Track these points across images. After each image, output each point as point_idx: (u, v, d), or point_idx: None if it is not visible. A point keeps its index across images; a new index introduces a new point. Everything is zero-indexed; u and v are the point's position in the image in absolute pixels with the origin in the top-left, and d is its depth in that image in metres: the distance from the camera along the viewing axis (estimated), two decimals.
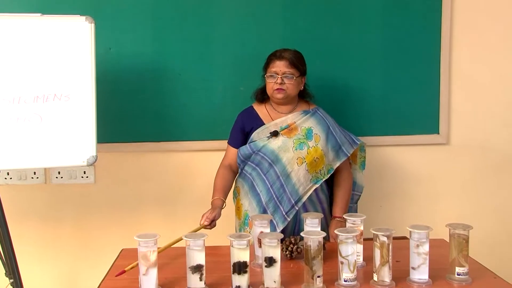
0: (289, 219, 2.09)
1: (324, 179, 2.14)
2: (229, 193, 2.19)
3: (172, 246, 1.85)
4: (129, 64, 2.46)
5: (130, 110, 2.49)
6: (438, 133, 2.58)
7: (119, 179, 2.56)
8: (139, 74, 2.47)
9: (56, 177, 2.53)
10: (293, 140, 2.12)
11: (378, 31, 2.51)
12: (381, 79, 2.54)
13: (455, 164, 2.62)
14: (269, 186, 2.11)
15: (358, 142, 2.24)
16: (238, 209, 2.22)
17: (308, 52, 2.24)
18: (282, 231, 2.07)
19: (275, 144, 2.12)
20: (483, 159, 2.63)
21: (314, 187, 2.13)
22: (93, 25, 2.05)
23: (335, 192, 2.22)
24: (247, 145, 2.16)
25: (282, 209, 2.09)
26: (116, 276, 1.61)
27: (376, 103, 2.54)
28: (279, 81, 2.09)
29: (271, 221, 2.07)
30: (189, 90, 2.49)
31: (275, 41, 2.40)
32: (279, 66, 2.10)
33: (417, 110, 2.56)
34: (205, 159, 2.53)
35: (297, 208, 2.09)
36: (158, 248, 1.55)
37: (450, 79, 2.56)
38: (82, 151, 2.05)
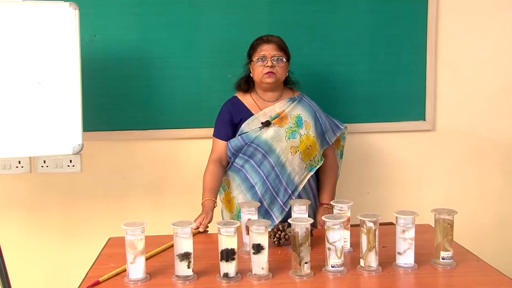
0: (287, 209, 2.07)
1: (318, 166, 2.14)
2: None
3: (160, 235, 1.85)
4: (115, 51, 2.43)
5: (116, 98, 2.47)
6: (424, 120, 2.60)
7: (106, 167, 2.54)
8: (125, 61, 2.44)
9: (42, 166, 2.50)
10: (285, 129, 2.10)
11: (364, 18, 2.51)
12: (368, 66, 2.54)
13: (441, 150, 2.65)
14: (265, 177, 2.09)
15: (342, 127, 2.24)
16: (228, 202, 2.19)
17: (295, 38, 2.23)
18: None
19: (267, 134, 2.09)
20: (468, 145, 2.66)
21: (309, 175, 2.12)
22: (77, 11, 2.02)
23: (321, 179, 2.23)
24: (238, 137, 2.12)
25: (280, 200, 2.09)
26: (88, 287, 1.50)
27: (362, 90, 2.55)
28: (269, 64, 2.06)
29: (268, 212, 2.10)
30: (176, 77, 2.47)
31: (262, 28, 2.38)
32: (268, 49, 2.07)
33: (404, 97, 2.57)
34: (193, 147, 2.52)
35: (294, 198, 2.08)
36: (148, 252, 1.53)
37: (436, 66, 2.57)
38: (68, 140, 2.04)
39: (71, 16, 2.01)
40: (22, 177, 2.51)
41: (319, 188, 2.24)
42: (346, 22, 2.49)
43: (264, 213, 2.08)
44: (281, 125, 2.11)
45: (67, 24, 2.01)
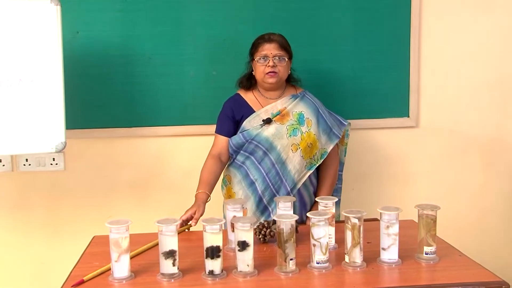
0: None
1: (317, 165, 2.14)
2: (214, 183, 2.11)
3: (145, 233, 1.84)
4: (98, 48, 2.40)
5: (100, 95, 2.44)
6: (408, 117, 2.62)
7: (89, 166, 2.52)
8: (108, 58, 2.41)
9: (24, 165, 2.47)
10: (286, 127, 2.11)
11: (348, 15, 2.51)
12: (352, 64, 2.55)
13: (425, 147, 2.68)
14: (265, 174, 2.09)
15: (345, 124, 2.25)
16: (229, 197, 2.19)
17: None
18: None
19: (268, 131, 2.10)
20: (451, 141, 2.69)
21: (308, 173, 2.13)
22: (59, 7, 2.00)
23: (320, 176, 2.23)
24: (239, 134, 2.12)
25: None
26: (73, 286, 1.48)
27: (346, 87, 2.56)
28: (271, 63, 2.06)
29: (266, 209, 2.10)
30: (160, 74, 2.45)
31: (247, 24, 2.38)
32: (269, 48, 2.07)
33: (387, 94, 2.59)
34: (177, 145, 2.51)
35: (292, 195, 2.08)
36: (133, 250, 1.51)
37: (419, 63, 2.59)
38: (51, 138, 2.02)
39: (52, 12, 1.99)
40: (4, 176, 2.48)
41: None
42: (330, 19, 2.50)
43: (263, 209, 2.11)
44: (282, 123, 2.11)
45: (49, 20, 1.98)
